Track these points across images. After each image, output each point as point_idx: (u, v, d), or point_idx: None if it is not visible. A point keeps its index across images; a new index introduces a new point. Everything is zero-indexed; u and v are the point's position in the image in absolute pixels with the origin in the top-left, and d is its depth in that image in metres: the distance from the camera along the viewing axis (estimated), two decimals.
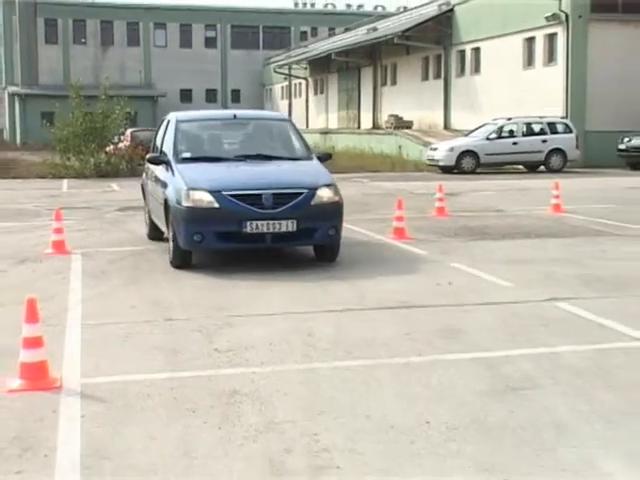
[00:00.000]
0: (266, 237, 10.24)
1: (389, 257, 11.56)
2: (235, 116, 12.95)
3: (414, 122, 42.23)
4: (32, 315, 5.97)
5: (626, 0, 32.11)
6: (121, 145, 31.90)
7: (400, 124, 41.94)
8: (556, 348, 6.80)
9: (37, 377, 5.89)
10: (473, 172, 29.42)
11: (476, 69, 38.69)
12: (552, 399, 5.56)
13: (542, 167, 30.22)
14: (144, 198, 13.85)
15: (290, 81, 64.72)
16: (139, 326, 7.68)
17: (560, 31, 32.43)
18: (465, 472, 4.45)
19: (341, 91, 55.01)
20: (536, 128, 30.78)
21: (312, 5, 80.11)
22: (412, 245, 12.44)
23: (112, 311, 8.31)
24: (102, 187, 25.26)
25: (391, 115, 43.72)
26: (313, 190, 10.50)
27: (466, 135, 31.70)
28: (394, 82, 47.31)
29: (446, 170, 29.72)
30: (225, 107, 64.05)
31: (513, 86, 34.91)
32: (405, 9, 56.57)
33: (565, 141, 30.11)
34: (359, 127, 50.22)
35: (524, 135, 30.43)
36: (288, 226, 10.22)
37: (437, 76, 42.27)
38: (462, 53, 39.88)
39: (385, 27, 49.66)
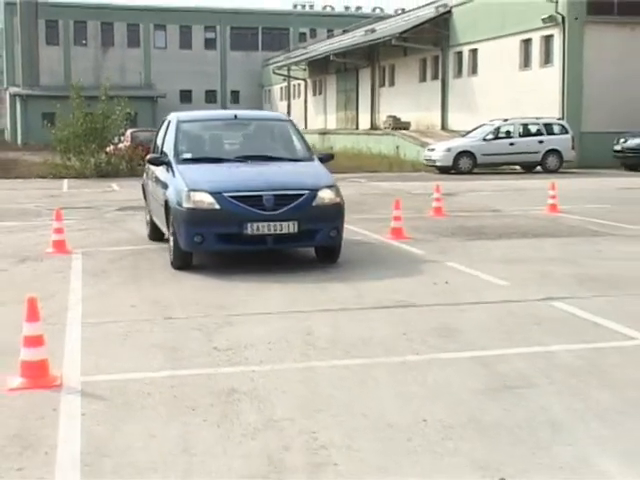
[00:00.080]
0: (267, 239, 10.15)
1: (387, 257, 11.57)
2: (236, 116, 12.78)
3: (412, 123, 42.24)
4: (33, 314, 5.97)
5: (622, 2, 32.11)
6: (121, 145, 31.87)
7: (398, 125, 41.96)
8: (551, 347, 6.81)
9: (38, 375, 5.89)
10: (470, 172, 29.42)
11: (473, 70, 38.70)
12: (547, 398, 5.56)
13: (539, 167, 30.24)
14: (145, 199, 13.77)
15: (289, 82, 64.71)
16: (139, 325, 7.68)
17: (556, 33, 32.44)
18: (462, 470, 4.45)
19: (339, 92, 55.02)
20: (533, 129, 30.80)
21: (311, 7, 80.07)
22: (409, 245, 12.44)
23: (112, 310, 8.31)
24: (102, 187, 25.25)
25: (389, 116, 43.73)
26: (314, 191, 10.39)
27: (463, 136, 31.73)
28: (392, 83, 47.31)
29: (443, 170, 29.72)
30: (224, 108, 63.98)
31: (510, 87, 34.92)
32: (403, 11, 56.54)
33: (561, 142, 30.13)
34: (357, 128, 50.22)
35: (521, 136, 30.45)
36: (289, 228, 10.12)
37: (434, 77, 42.28)
38: (459, 54, 39.88)
39: (383, 29, 49.65)
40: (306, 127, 56.74)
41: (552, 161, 30.07)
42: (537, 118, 30.91)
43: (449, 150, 29.99)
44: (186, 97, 71.00)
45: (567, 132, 30.32)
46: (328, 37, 64.48)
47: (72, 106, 30.60)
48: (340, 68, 53.65)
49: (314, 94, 60.61)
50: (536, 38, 33.72)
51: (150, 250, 12.19)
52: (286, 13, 76.88)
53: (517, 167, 31.16)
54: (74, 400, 5.58)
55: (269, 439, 4.86)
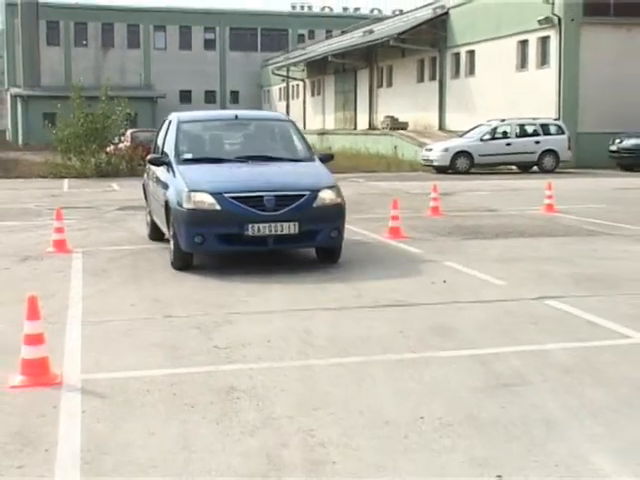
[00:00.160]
0: (268, 239, 10.06)
1: (385, 256, 11.57)
2: (237, 117, 12.64)
3: (409, 123, 42.27)
4: (33, 312, 5.98)
5: (618, 3, 32.12)
6: (121, 145, 31.86)
7: (396, 125, 41.98)
8: (547, 345, 6.82)
9: (38, 373, 5.89)
10: (467, 172, 29.43)
11: (470, 71, 38.70)
12: (543, 396, 5.57)
13: (535, 168, 30.26)
14: (145, 199, 13.70)
15: (288, 83, 64.69)
16: (139, 323, 7.69)
17: (553, 34, 32.45)
18: (459, 467, 4.46)
19: (338, 92, 55.02)
20: (529, 129, 30.81)
21: (309, 8, 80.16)
22: (407, 244, 12.45)
23: (112, 308, 8.32)
24: (102, 187, 25.24)
25: (387, 116, 43.76)
26: (315, 192, 10.30)
27: (460, 136, 31.72)
28: (390, 84, 47.32)
29: (441, 170, 29.73)
30: (224, 108, 63.96)
31: (507, 88, 34.94)
32: (401, 12, 56.58)
33: (558, 142, 30.16)
34: (355, 128, 50.23)
35: (517, 136, 30.46)
36: (290, 228, 10.03)
37: (432, 78, 42.28)
38: (457, 55, 39.90)
39: (381, 30, 49.67)
40: (305, 127, 56.72)
41: (548, 161, 30.10)
42: (534, 119, 30.93)
43: (446, 150, 30.00)
44: (186, 97, 70.99)
45: (563, 132, 30.34)
46: (326, 38, 64.51)
47: (73, 106, 30.57)
48: (338, 69, 53.66)
49: (313, 94, 60.61)
50: (533, 39, 33.73)
51: (150, 249, 12.19)
52: (285, 14, 76.88)
53: (514, 167, 31.17)
54: (74, 398, 5.59)
55: (268, 437, 4.87)
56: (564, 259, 11.09)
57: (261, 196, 10.04)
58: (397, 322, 7.62)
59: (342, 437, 4.85)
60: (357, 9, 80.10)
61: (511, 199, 19.88)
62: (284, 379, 5.96)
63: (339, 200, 10.55)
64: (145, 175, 13.78)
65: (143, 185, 13.96)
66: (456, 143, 30.53)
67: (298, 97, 63.70)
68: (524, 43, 34.44)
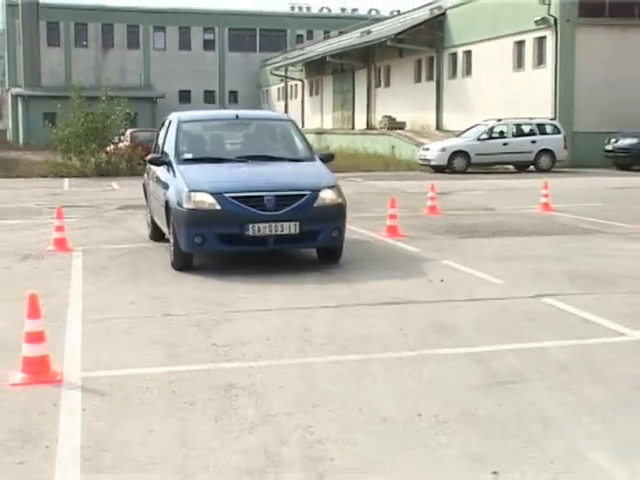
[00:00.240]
0: (268, 240, 9.95)
1: (383, 254, 11.57)
2: (237, 116, 12.46)
3: (407, 123, 42.27)
4: (34, 310, 5.97)
5: (613, 4, 32.13)
6: (121, 145, 31.85)
7: (393, 125, 41.99)
8: (543, 343, 6.82)
9: (39, 371, 5.89)
10: (464, 172, 29.42)
11: (467, 71, 38.70)
12: (539, 393, 5.57)
13: (531, 167, 30.27)
14: (146, 199, 13.58)
15: (286, 83, 64.69)
16: (138, 321, 7.68)
17: (549, 34, 32.45)
18: (455, 464, 4.46)
19: (336, 92, 55.01)
20: (526, 129, 30.82)
21: (308, 9, 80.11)
22: (405, 243, 12.45)
23: (112, 306, 8.31)
24: (102, 186, 25.23)
25: (384, 116, 43.75)
26: (316, 192, 10.18)
27: (458, 136, 31.72)
28: (387, 84, 47.32)
29: (438, 170, 29.72)
30: (223, 108, 63.93)
31: (503, 88, 34.93)
32: (398, 13, 56.58)
33: (554, 142, 30.16)
34: (353, 127, 50.21)
35: (514, 136, 30.46)
36: (291, 228, 9.91)
37: (429, 78, 42.28)
38: (454, 56, 39.89)
39: (379, 30, 49.64)
40: (303, 127, 56.63)
41: (545, 161, 30.10)
42: (530, 118, 30.94)
43: (444, 150, 29.99)
44: (185, 97, 70.92)
45: (559, 132, 30.35)
46: (325, 38, 64.49)
47: (73, 106, 30.56)
48: (336, 69, 53.65)
49: (311, 94, 60.61)
50: (529, 40, 33.73)
51: (149, 248, 12.19)
52: (283, 15, 76.86)
53: (510, 166, 31.17)
54: (74, 395, 5.59)
55: (266, 434, 4.86)
56: (560, 257, 11.10)
57: (261, 196, 9.93)
58: (396, 320, 7.62)
59: (340, 434, 4.85)
60: (355, 10, 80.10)
61: (507, 198, 19.88)
62: (283, 377, 5.96)
63: (340, 200, 10.44)
64: (145, 175, 13.68)
65: (143, 185, 13.87)
66: (453, 143, 30.53)
67: (296, 97, 63.69)
68: (520, 43, 34.44)
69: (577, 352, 6.56)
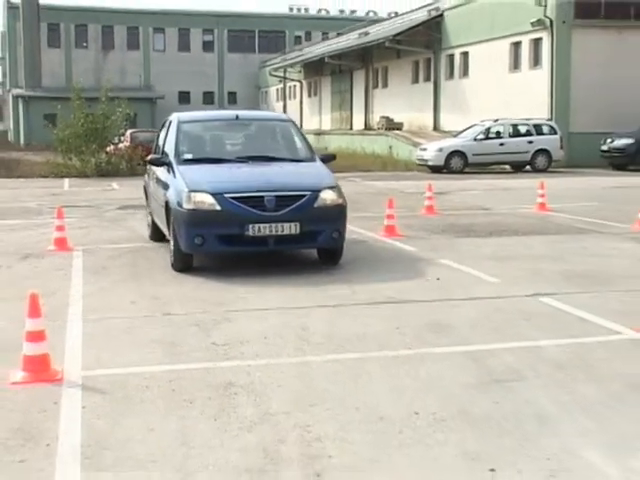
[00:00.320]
0: (268, 240, 9.83)
1: (380, 254, 11.57)
2: (237, 117, 12.27)
3: (404, 123, 42.26)
4: (35, 310, 5.97)
5: (608, 6, 32.15)
6: (121, 145, 31.83)
7: (391, 125, 41.99)
8: (539, 342, 6.82)
9: (39, 370, 5.89)
10: (461, 172, 29.43)
11: (464, 72, 38.70)
12: (535, 391, 5.58)
13: (528, 167, 30.27)
14: (146, 199, 13.48)
15: (285, 83, 64.69)
16: (139, 320, 7.69)
17: (545, 36, 32.46)
18: (452, 461, 4.46)
19: (334, 93, 55.00)
20: (522, 129, 30.81)
21: (306, 10, 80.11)
22: (402, 242, 12.45)
23: (112, 306, 8.31)
24: (102, 186, 25.22)
25: (382, 116, 43.75)
26: (316, 192, 10.06)
27: (455, 136, 31.72)
28: (385, 85, 47.31)
29: (435, 170, 29.72)
30: (222, 109, 63.90)
31: (500, 89, 34.94)
32: (396, 14, 56.50)
33: (550, 142, 30.18)
34: (351, 128, 50.21)
35: (510, 136, 30.46)
36: (291, 229, 9.79)
37: (427, 79, 42.27)
38: (451, 57, 39.89)
39: (377, 32, 49.64)
40: (301, 127, 56.48)
41: (541, 161, 30.12)
42: (526, 119, 30.93)
43: (441, 150, 29.99)
44: (184, 98, 70.87)
45: (556, 132, 30.37)
46: (323, 40, 64.49)
47: (73, 107, 30.56)
48: (335, 70, 53.64)
49: (309, 95, 60.60)
50: (525, 41, 33.74)
51: (149, 248, 12.18)
52: (282, 16, 76.85)
53: (507, 166, 31.17)
54: (75, 394, 5.59)
55: (265, 432, 4.87)
56: (556, 257, 11.10)
57: (262, 196, 9.81)
58: (393, 319, 7.62)
59: (338, 432, 4.85)
60: (353, 11, 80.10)
61: (504, 198, 19.89)
62: (281, 375, 5.96)
63: (340, 200, 10.33)
64: (146, 176, 13.59)
65: (144, 186, 13.79)
66: (450, 143, 30.52)
67: (295, 98, 63.67)
68: (517, 45, 34.44)
69: (573, 350, 6.57)
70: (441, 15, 40.37)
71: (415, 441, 4.72)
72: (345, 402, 5.37)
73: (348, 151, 39.95)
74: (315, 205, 10.03)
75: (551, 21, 31.78)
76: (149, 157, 12.04)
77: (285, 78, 63.25)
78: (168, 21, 72.60)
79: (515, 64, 34.74)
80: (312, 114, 59.27)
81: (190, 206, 9.84)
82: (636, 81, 31.71)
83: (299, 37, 75.14)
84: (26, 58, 66.17)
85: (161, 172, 11.39)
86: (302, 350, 6.65)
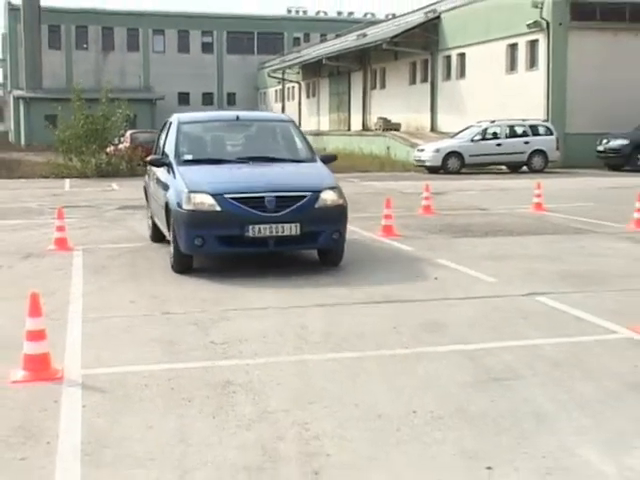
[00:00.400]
0: (269, 241, 9.70)
1: (378, 253, 11.57)
2: (238, 117, 12.09)
3: (402, 124, 42.25)
4: (35, 309, 5.97)
5: (604, 8, 32.16)
6: (121, 146, 31.80)
7: (388, 126, 41.98)
8: (536, 340, 6.82)
9: (40, 368, 5.88)
10: (458, 172, 29.42)
11: (461, 74, 38.70)
12: (532, 389, 5.57)
13: (524, 167, 30.27)
14: (147, 200, 13.36)
15: (283, 85, 64.67)
16: (138, 319, 7.68)
17: (541, 38, 32.46)
18: (450, 459, 4.46)
19: (332, 94, 54.99)
20: (519, 130, 30.81)
21: (304, 12, 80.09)
22: (400, 242, 12.44)
23: (112, 305, 8.30)
24: (102, 186, 25.21)
25: (380, 117, 43.74)
26: (317, 193, 9.92)
27: (452, 137, 31.70)
28: (383, 86, 47.30)
29: (432, 170, 29.72)
30: (221, 109, 63.87)
31: (497, 90, 34.94)
32: (394, 16, 56.55)
33: (546, 143, 30.17)
34: (349, 129, 50.22)
35: (507, 137, 30.46)
36: (291, 230, 9.66)
37: (424, 80, 42.26)
38: (448, 58, 39.89)
39: (374, 33, 49.66)
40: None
41: (537, 161, 30.12)
42: (523, 120, 30.93)
43: (438, 151, 29.99)
44: (184, 99, 70.82)
45: (552, 133, 30.37)
46: (321, 41, 64.48)
47: (73, 108, 30.56)
48: (333, 71, 53.62)
49: (308, 96, 60.60)
50: (522, 43, 33.74)
51: (149, 247, 12.17)
52: (281, 18, 76.80)
53: (503, 167, 31.17)
54: (75, 392, 5.58)
55: (263, 430, 4.86)
56: (552, 256, 11.10)
57: (262, 197, 9.68)
58: (390, 318, 7.62)
59: (336, 430, 4.85)
60: (351, 13, 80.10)
61: (501, 198, 19.89)
62: (280, 374, 5.96)
63: (341, 201, 10.20)
64: (146, 176, 13.48)
65: (144, 186, 13.70)
66: (447, 144, 30.52)
67: (293, 99, 63.67)
68: (513, 46, 34.45)
69: (569, 349, 6.56)
70: (438, 17, 40.38)
71: (413, 439, 4.72)
72: (343, 400, 5.36)
73: (346, 152, 39.91)
74: (316, 206, 9.90)
75: (547, 23, 31.79)
76: (149, 158, 11.91)
77: (284, 79, 63.24)
78: (168, 23, 72.56)
79: (512, 65, 34.75)
80: (310, 115, 59.28)
81: (190, 207, 9.73)
82: (631, 82, 31.74)
83: (297, 39, 75.10)
84: (27, 59, 66.12)
85: (161, 173, 11.29)
86: (300, 349, 6.64)
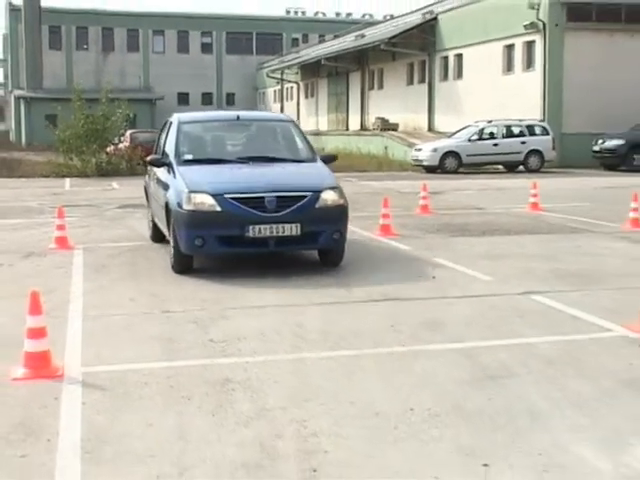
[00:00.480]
0: (269, 241, 9.59)
1: (375, 252, 11.56)
2: (238, 117, 11.93)
3: (400, 124, 42.26)
4: (36, 307, 5.97)
5: (600, 9, 32.17)
6: (121, 146, 31.80)
7: (386, 126, 41.99)
8: (532, 339, 6.83)
9: (40, 366, 5.88)
10: (455, 172, 29.44)
11: (459, 74, 38.70)
12: (528, 387, 5.58)
13: (521, 167, 30.28)
14: (147, 200, 13.24)
15: (282, 85, 64.63)
16: (138, 318, 7.68)
17: (538, 39, 32.47)
18: (446, 456, 4.46)
19: (330, 95, 54.98)
20: (515, 130, 30.82)
21: (303, 13, 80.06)
22: (397, 241, 12.45)
23: (112, 303, 8.30)
24: (103, 185, 25.21)
25: (378, 117, 43.74)
26: (317, 193, 9.79)
27: (449, 137, 31.73)
28: (381, 86, 47.29)
29: (430, 170, 29.73)
30: (220, 109, 63.81)
31: (494, 90, 34.95)
32: (391, 17, 56.51)
33: (543, 143, 30.19)
34: (347, 129, 50.21)
35: (504, 137, 30.47)
36: (292, 230, 9.54)
37: (421, 81, 42.27)
38: (445, 59, 39.89)
39: (372, 34, 49.64)
40: None
41: (534, 161, 30.13)
42: (520, 120, 30.94)
43: (435, 150, 30.00)
44: (183, 99, 70.77)
45: (548, 133, 30.38)
46: (320, 42, 64.41)
47: (74, 108, 30.55)
48: (331, 72, 53.61)
49: (306, 97, 60.58)
50: (518, 44, 33.74)
51: (148, 246, 12.17)
52: (279, 19, 76.78)
53: (500, 167, 31.18)
54: (75, 390, 5.58)
55: (262, 427, 4.86)
56: (548, 256, 11.11)
57: (262, 197, 9.56)
58: (388, 317, 7.62)
59: (333, 427, 4.85)
60: (349, 14, 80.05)
61: (497, 198, 19.90)
62: (278, 372, 5.96)
63: (342, 201, 10.07)
64: (147, 176, 13.36)
65: (145, 186, 13.58)
66: (445, 144, 30.53)
67: (292, 99, 63.66)
68: (510, 47, 34.45)
69: (565, 347, 6.57)
70: (435, 18, 40.38)
71: (410, 436, 4.72)
72: (340, 398, 5.36)
73: (344, 151, 39.84)
74: (316, 206, 9.79)
75: (544, 24, 31.80)
76: (149, 158, 11.77)
77: (282, 80, 63.21)
78: (167, 23, 72.52)
79: (508, 66, 34.75)
80: (309, 115, 59.27)
81: (190, 207, 9.63)
82: (627, 83, 31.76)
83: (296, 39, 75.04)
84: (28, 60, 66.03)
85: (161, 173, 11.18)
86: (298, 347, 6.65)
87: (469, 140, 30.05)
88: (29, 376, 5.80)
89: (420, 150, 30.78)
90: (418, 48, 41.40)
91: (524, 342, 6.73)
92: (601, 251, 11.53)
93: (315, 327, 7.27)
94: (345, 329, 7.18)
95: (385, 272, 9.97)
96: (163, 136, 12.15)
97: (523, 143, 30.14)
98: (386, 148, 38.18)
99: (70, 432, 4.81)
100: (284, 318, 7.60)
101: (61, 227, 12.26)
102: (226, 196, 9.59)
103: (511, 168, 30.48)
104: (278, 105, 65.70)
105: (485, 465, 4.32)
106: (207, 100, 72.50)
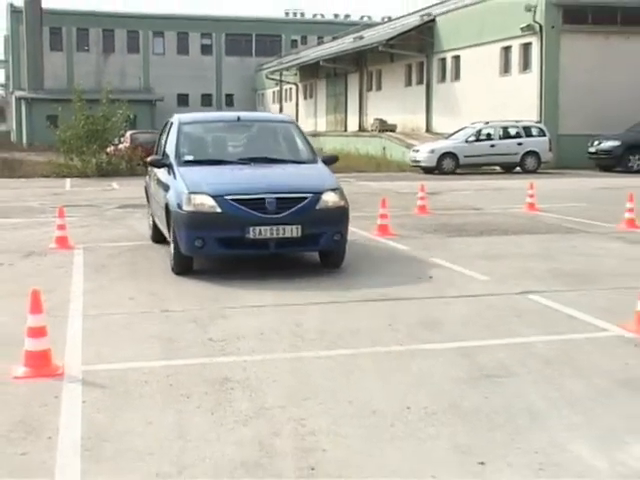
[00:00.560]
0: (270, 243, 9.46)
1: (373, 252, 11.56)
2: (239, 118, 11.78)
3: (398, 125, 42.26)
4: (36, 306, 5.97)
5: (596, 12, 32.18)
6: (121, 146, 31.80)
7: (384, 127, 41.98)
8: (529, 338, 6.83)
9: (41, 365, 5.88)
10: (453, 173, 29.43)
11: (456, 76, 38.69)
12: (524, 386, 5.58)
13: (518, 168, 30.27)
14: (147, 201, 13.17)
15: (281, 86, 64.63)
16: (137, 317, 7.67)
17: (534, 41, 32.46)
18: (443, 454, 4.46)
19: (329, 96, 54.98)
20: (512, 131, 30.81)
21: (302, 15, 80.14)
22: (395, 241, 12.44)
23: (112, 302, 8.29)
24: (103, 186, 25.19)
25: (376, 119, 43.73)
26: (318, 194, 9.66)
27: (446, 138, 31.71)
28: (379, 87, 47.29)
29: (427, 171, 29.73)
30: (220, 110, 63.77)
31: (491, 92, 34.95)
32: (389, 19, 56.52)
33: (539, 144, 30.18)
34: (346, 130, 50.19)
35: (501, 138, 30.45)
36: (292, 231, 9.41)
37: (419, 82, 42.26)
38: (443, 61, 39.88)
39: (370, 36, 49.62)
40: None
41: (530, 162, 30.13)
42: (516, 121, 30.93)
43: (433, 151, 29.99)
44: (183, 100, 70.75)
45: (545, 135, 30.38)
46: (318, 44, 64.42)
47: (74, 109, 30.55)
48: (330, 73, 53.60)
49: (305, 98, 60.57)
50: (515, 46, 33.74)
51: (148, 246, 12.15)
52: (278, 21, 76.85)
53: (497, 168, 31.18)
54: (75, 388, 5.58)
55: (260, 426, 4.86)
56: (545, 255, 11.11)
57: (263, 198, 9.43)
58: (385, 316, 7.62)
59: (331, 426, 4.85)
60: (347, 16, 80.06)
61: (495, 198, 19.89)
62: (276, 371, 5.96)
63: (342, 203, 9.95)
64: (147, 177, 13.28)
65: (145, 187, 13.53)
66: (442, 144, 30.53)
67: (291, 100, 63.64)
68: (507, 49, 34.45)
69: (561, 347, 6.57)
70: (433, 20, 40.37)
71: (407, 435, 4.72)
72: (338, 397, 5.36)
73: (343, 152, 39.78)
74: (317, 207, 9.66)
75: (540, 26, 31.80)
76: (149, 158, 11.66)
77: (281, 81, 63.20)
78: (167, 25, 72.51)
79: (505, 68, 34.75)
80: (308, 116, 59.25)
81: (190, 208, 9.52)
82: (623, 85, 31.76)
83: (295, 41, 75.05)
84: (29, 61, 66.06)
85: (162, 174, 11.08)
86: (297, 346, 6.64)
87: (466, 141, 30.04)
88: (30, 375, 5.80)
89: (418, 151, 30.78)
90: (416, 50, 41.39)
91: (521, 341, 6.73)
92: (597, 251, 11.54)
93: (313, 326, 7.26)
94: (343, 328, 7.17)
95: (383, 272, 9.96)
96: (164, 137, 12.06)
97: (520, 144, 30.13)
98: (384, 149, 38.18)
99: (70, 430, 4.80)
100: (283, 317, 7.60)
101: (61, 227, 12.26)
102: (226, 197, 9.48)
103: (508, 169, 30.47)
104: (277, 106, 65.68)
105: (482, 463, 4.32)
106: (207, 101, 72.52)
